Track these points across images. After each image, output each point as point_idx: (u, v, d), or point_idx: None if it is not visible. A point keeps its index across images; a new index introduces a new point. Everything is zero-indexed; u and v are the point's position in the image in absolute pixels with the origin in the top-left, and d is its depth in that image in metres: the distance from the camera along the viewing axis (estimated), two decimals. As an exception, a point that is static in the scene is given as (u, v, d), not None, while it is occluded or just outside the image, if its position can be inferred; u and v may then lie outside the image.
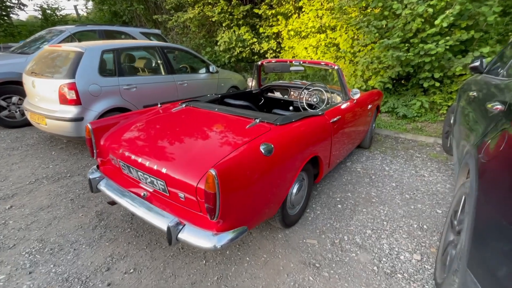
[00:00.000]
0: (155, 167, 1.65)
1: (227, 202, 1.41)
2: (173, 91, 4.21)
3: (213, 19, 7.24)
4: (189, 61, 5.19)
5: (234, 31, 7.13)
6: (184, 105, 2.46)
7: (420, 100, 5.27)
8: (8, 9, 11.98)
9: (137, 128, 2.08)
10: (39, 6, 13.23)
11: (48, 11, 13.27)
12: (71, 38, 5.06)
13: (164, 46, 4.26)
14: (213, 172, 1.33)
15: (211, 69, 4.82)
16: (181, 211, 1.62)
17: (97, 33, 5.54)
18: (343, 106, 2.78)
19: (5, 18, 11.40)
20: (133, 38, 6.16)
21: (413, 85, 5.55)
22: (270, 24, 7.23)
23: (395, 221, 2.32)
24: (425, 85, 5.15)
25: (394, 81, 5.63)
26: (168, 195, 1.67)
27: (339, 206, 2.52)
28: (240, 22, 7.33)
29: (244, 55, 7.21)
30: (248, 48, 7.13)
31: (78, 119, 3.23)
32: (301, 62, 3.09)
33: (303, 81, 3.85)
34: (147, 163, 1.70)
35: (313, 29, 6.35)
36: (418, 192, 2.75)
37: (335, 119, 2.39)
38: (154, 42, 4.32)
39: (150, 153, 1.75)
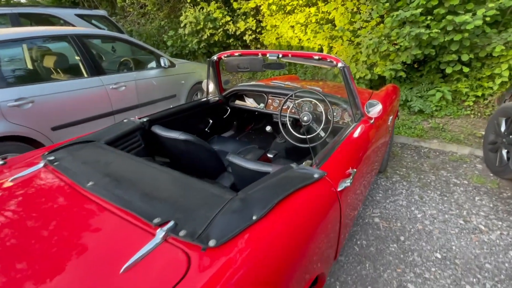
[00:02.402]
0: None
1: None
2: (102, 100, 2.92)
3: (175, -6, 5.76)
4: (135, 54, 3.86)
5: (202, 7, 5.68)
6: (42, 164, 1.22)
7: (440, 89, 4.08)
8: None
9: None
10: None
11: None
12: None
13: (83, 34, 2.90)
14: None
15: (162, 63, 3.50)
16: None
17: (9, 18, 4.09)
18: (356, 134, 1.57)
19: None
20: (67, 22, 4.71)
21: (430, 70, 4.34)
22: (247, -3, 5.79)
23: None
24: (448, 70, 3.95)
25: (405, 65, 4.39)
26: None
27: (356, 326, 1.38)
28: (210, -4, 5.87)
29: (216, 38, 5.81)
30: (221, 29, 5.72)
31: None
32: (280, 56, 1.83)
33: (291, 82, 2.59)
34: None
35: (300, 1, 4.97)
36: (483, 275, 1.63)
37: (348, 181, 1.18)
38: (64, 30, 2.95)
39: None
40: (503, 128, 2.62)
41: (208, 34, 5.64)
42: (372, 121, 1.73)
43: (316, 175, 1.08)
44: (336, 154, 1.29)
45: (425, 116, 4.17)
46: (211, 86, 2.38)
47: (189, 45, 5.89)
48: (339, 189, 1.14)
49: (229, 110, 2.55)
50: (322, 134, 1.79)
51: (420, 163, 2.91)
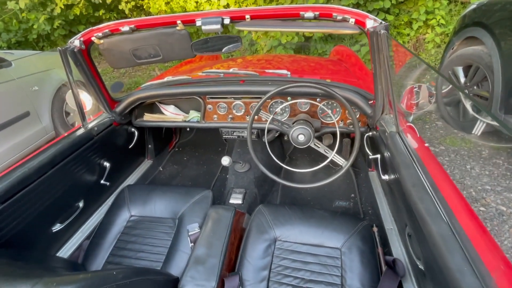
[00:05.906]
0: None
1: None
2: None
3: None
4: None
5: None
6: None
7: (365, 45, 3.78)
8: None
9: None
10: None
11: None
12: None
13: None
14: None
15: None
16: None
17: None
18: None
19: None
20: None
21: None
22: None
23: None
24: (372, 21, 3.62)
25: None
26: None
27: None
28: None
29: (77, 11, 4.02)
30: (81, -3, 3.96)
31: None
32: (227, 21, 0.85)
33: (227, 66, 1.60)
34: None
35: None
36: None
37: None
38: None
39: None
40: (462, 79, 2.36)
41: (62, 6, 3.82)
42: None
43: None
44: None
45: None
46: (88, 101, 1.21)
47: (35, 27, 3.93)
48: None
49: (137, 134, 1.44)
50: (341, 160, 0.98)
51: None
